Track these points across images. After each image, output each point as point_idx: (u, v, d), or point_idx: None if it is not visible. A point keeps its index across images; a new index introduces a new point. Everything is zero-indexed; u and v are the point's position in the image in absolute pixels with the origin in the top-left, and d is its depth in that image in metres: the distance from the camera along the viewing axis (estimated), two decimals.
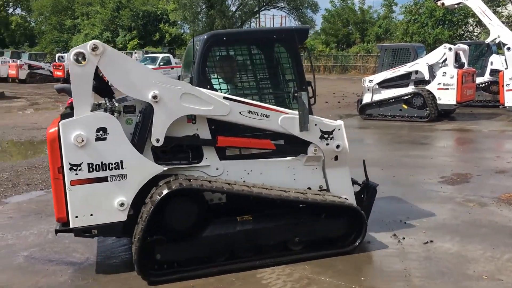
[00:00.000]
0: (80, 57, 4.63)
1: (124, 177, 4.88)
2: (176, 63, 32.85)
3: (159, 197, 4.68)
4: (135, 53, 43.26)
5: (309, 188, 5.61)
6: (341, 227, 5.45)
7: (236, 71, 5.58)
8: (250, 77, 5.58)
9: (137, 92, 4.87)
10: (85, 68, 4.66)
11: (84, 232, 4.85)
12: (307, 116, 5.27)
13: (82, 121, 4.73)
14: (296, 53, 5.50)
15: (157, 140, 4.96)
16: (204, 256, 5.04)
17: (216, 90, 5.22)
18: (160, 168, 4.99)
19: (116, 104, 4.98)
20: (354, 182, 6.10)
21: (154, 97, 4.85)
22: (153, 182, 4.95)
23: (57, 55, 41.88)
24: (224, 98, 5.10)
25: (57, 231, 4.94)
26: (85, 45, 4.66)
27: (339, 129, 5.53)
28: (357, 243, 5.41)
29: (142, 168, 4.92)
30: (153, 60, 31.97)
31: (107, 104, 4.97)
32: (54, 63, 38.60)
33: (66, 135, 4.68)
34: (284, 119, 5.27)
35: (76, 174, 4.74)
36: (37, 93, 27.80)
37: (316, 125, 5.42)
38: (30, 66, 38.90)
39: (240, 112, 5.14)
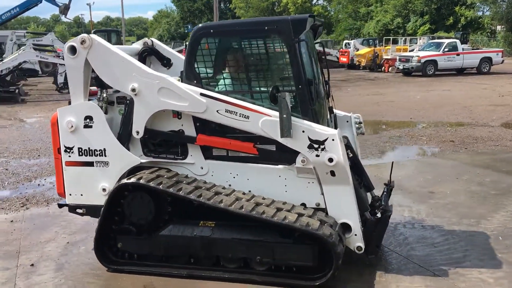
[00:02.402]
0: (71, 50, 5.06)
1: (107, 164, 5.16)
2: (463, 49, 30.14)
3: (113, 188, 4.82)
4: (420, 38, 41.61)
5: (303, 205, 4.84)
6: (308, 257, 4.53)
7: (225, 66, 5.12)
8: (241, 73, 5.05)
9: (119, 85, 5.04)
10: (76, 60, 5.07)
11: (75, 209, 5.36)
12: (289, 121, 4.51)
13: (73, 109, 5.18)
14: (291, 47, 4.70)
15: (137, 132, 5.05)
16: (161, 255, 4.94)
17: (201, 85, 4.94)
18: (137, 160, 5.09)
19: (105, 95, 5.23)
20: (376, 200, 5.00)
21: (133, 90, 4.93)
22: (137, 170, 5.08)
23: (344, 41, 43.62)
24: (201, 94, 4.80)
25: (59, 205, 5.57)
26: (76, 38, 5.06)
27: (333, 140, 4.56)
28: (325, 279, 4.43)
29: (122, 157, 5.11)
30: (437, 46, 29.85)
31: (100, 94, 5.28)
32: (341, 49, 40.34)
33: (61, 120, 5.22)
34: (265, 122, 4.64)
35: (69, 156, 5.25)
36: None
37: (303, 132, 4.60)
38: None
39: (217, 111, 4.77)
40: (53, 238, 5.86)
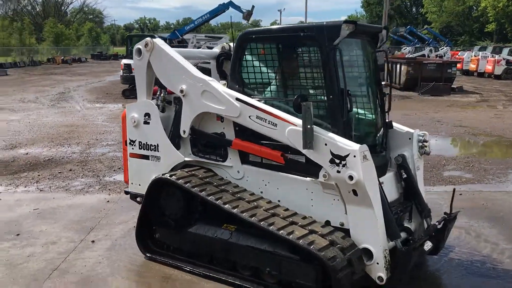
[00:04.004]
0: (138, 52, 5.54)
1: (159, 159, 5.55)
2: None
3: (150, 182, 5.18)
4: None
5: (328, 222, 4.60)
6: (311, 278, 4.26)
7: (265, 72, 5.04)
8: (279, 80, 4.94)
9: (171, 85, 5.36)
10: (141, 61, 5.54)
11: (136, 197, 5.86)
12: (311, 131, 4.34)
13: (137, 106, 5.67)
14: (326, 54, 4.46)
15: (184, 132, 5.33)
16: (188, 251, 5.12)
17: (243, 91, 4.99)
18: (181, 158, 5.37)
19: (163, 95, 5.58)
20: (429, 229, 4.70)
21: (181, 91, 5.22)
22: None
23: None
24: (237, 99, 4.87)
25: (125, 192, 6.11)
26: (141, 42, 5.52)
27: (354, 156, 4.23)
28: None
29: (170, 154, 5.44)
30: None
31: (158, 94, 5.65)
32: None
33: (128, 115, 5.75)
34: (291, 131, 4.52)
35: (132, 148, 5.76)
36: (499, 90, 26.21)
37: (326, 145, 4.36)
38: (508, 62, 37.81)
39: (249, 116, 4.79)
40: (126, 221, 6.47)
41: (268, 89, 5.11)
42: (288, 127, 4.52)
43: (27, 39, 61.59)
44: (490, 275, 5.02)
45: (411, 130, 5.29)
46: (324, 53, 4.49)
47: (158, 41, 5.48)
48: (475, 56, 38.77)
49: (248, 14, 31.43)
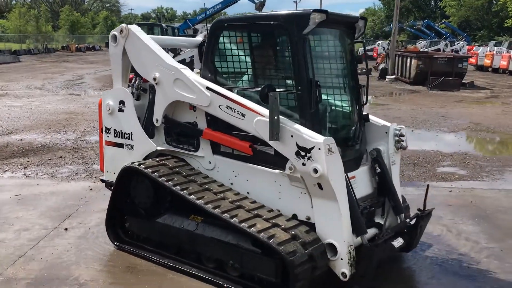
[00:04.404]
0: (113, 39, 5.46)
1: (133, 148, 5.49)
2: None
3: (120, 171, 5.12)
4: None
5: (295, 216, 4.50)
6: (271, 271, 4.17)
7: (237, 61, 4.91)
8: (250, 68, 4.82)
9: (145, 73, 5.28)
10: (117, 48, 5.46)
11: (110, 186, 5.80)
12: (277, 123, 4.23)
13: (112, 93, 5.60)
14: (295, 43, 4.33)
15: (156, 120, 5.24)
16: (156, 241, 5.05)
17: (216, 80, 4.89)
18: (153, 146, 5.29)
19: (137, 82, 5.48)
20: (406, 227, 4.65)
21: (154, 79, 5.13)
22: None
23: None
24: (207, 88, 4.77)
25: (101, 180, 6.06)
26: (117, 28, 5.44)
27: (319, 149, 4.11)
28: None
29: (143, 143, 5.37)
30: None
31: (134, 81, 5.56)
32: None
33: (103, 102, 5.68)
34: (259, 122, 4.41)
35: (108, 136, 5.70)
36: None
37: (292, 136, 4.24)
38: None
39: (219, 106, 4.69)
40: (104, 209, 6.30)
41: (240, 78, 5.00)
42: (256, 118, 4.41)
43: (43, 26, 62.00)
44: (463, 274, 4.86)
45: (388, 124, 5.14)
46: (293, 43, 4.36)
47: (134, 27, 5.39)
48: (490, 51, 38.10)
49: (260, 5, 31.21)
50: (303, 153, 4.19)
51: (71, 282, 4.57)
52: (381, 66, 29.53)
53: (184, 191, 4.60)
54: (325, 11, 4.35)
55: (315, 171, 4.11)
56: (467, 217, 6.44)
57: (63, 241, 5.45)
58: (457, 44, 50.30)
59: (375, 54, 42.64)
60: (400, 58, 26.61)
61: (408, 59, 25.18)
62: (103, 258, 5.09)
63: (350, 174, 4.71)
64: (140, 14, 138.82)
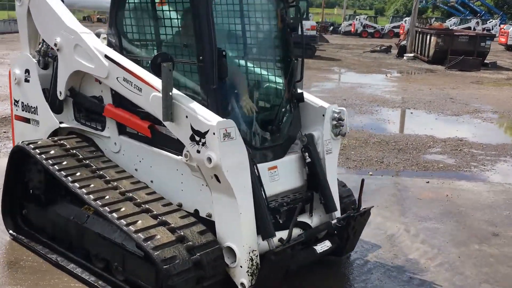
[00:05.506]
0: None
1: (38, 124, 4.83)
2: None
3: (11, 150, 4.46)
4: None
5: (196, 211, 3.77)
6: (151, 279, 3.46)
7: (141, 24, 4.12)
8: (154, 34, 4.04)
9: (48, 37, 4.56)
10: (21, 8, 4.76)
11: None
12: (170, 100, 3.48)
13: (18, 61, 4.93)
14: (195, 7, 3.56)
15: (60, 93, 4.54)
16: (50, 233, 4.40)
17: (121, 47, 4.14)
18: (56, 123, 4.61)
19: (43, 48, 4.77)
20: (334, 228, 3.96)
21: (55, 44, 4.42)
22: None
23: None
24: (105, 56, 4.02)
25: None
26: None
27: (213, 133, 3.35)
28: None
29: (47, 118, 4.70)
30: None
31: (40, 47, 4.85)
32: None
33: (11, 71, 5.01)
34: (154, 98, 3.65)
35: (17, 109, 5.05)
36: None
37: (187, 117, 3.49)
38: None
39: (117, 78, 3.96)
40: None
41: (147, 46, 4.24)
42: (152, 93, 3.66)
43: None
44: (400, 286, 4.07)
45: (325, 105, 4.29)
46: (194, 6, 3.58)
47: None
48: None
49: None
50: (197, 138, 3.45)
51: None
52: (403, 43, 28.17)
53: (69, 177, 3.90)
54: None
55: (209, 160, 3.37)
56: (435, 213, 5.60)
57: None
58: (490, 22, 48.05)
59: (401, 31, 41.17)
60: (420, 35, 25.20)
61: (428, 36, 23.79)
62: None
63: (271, 164, 3.96)
64: None
